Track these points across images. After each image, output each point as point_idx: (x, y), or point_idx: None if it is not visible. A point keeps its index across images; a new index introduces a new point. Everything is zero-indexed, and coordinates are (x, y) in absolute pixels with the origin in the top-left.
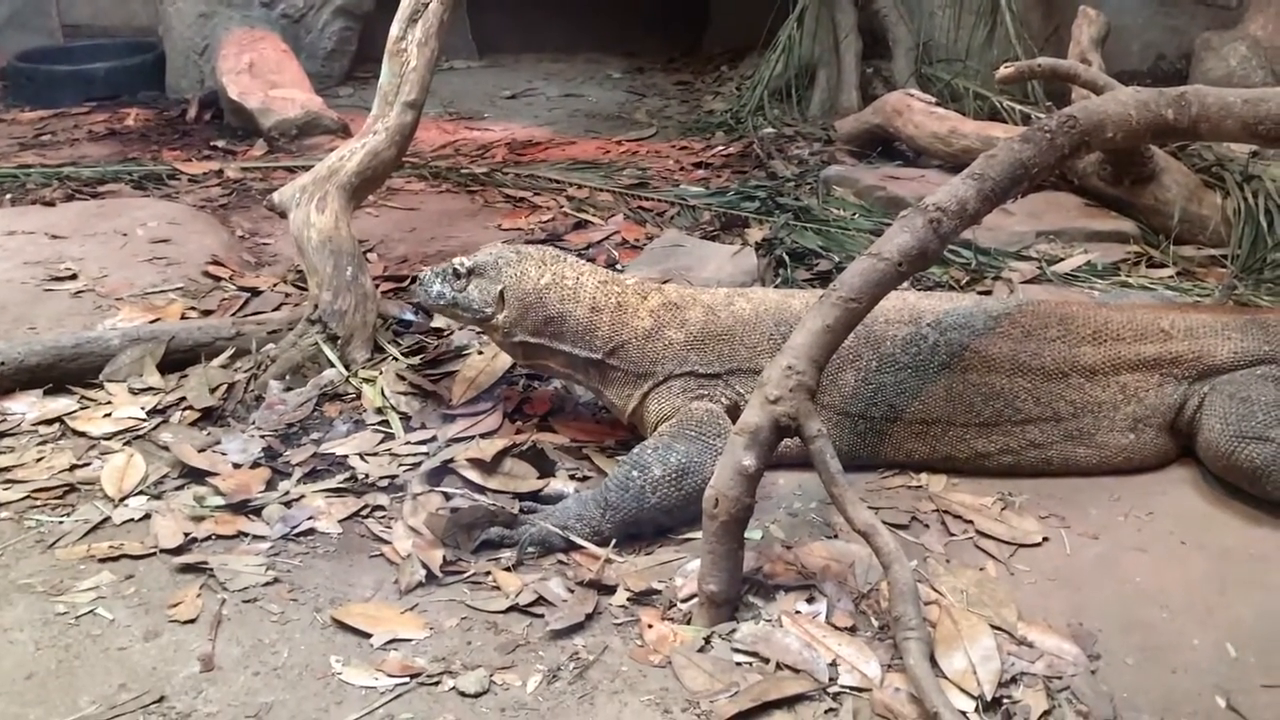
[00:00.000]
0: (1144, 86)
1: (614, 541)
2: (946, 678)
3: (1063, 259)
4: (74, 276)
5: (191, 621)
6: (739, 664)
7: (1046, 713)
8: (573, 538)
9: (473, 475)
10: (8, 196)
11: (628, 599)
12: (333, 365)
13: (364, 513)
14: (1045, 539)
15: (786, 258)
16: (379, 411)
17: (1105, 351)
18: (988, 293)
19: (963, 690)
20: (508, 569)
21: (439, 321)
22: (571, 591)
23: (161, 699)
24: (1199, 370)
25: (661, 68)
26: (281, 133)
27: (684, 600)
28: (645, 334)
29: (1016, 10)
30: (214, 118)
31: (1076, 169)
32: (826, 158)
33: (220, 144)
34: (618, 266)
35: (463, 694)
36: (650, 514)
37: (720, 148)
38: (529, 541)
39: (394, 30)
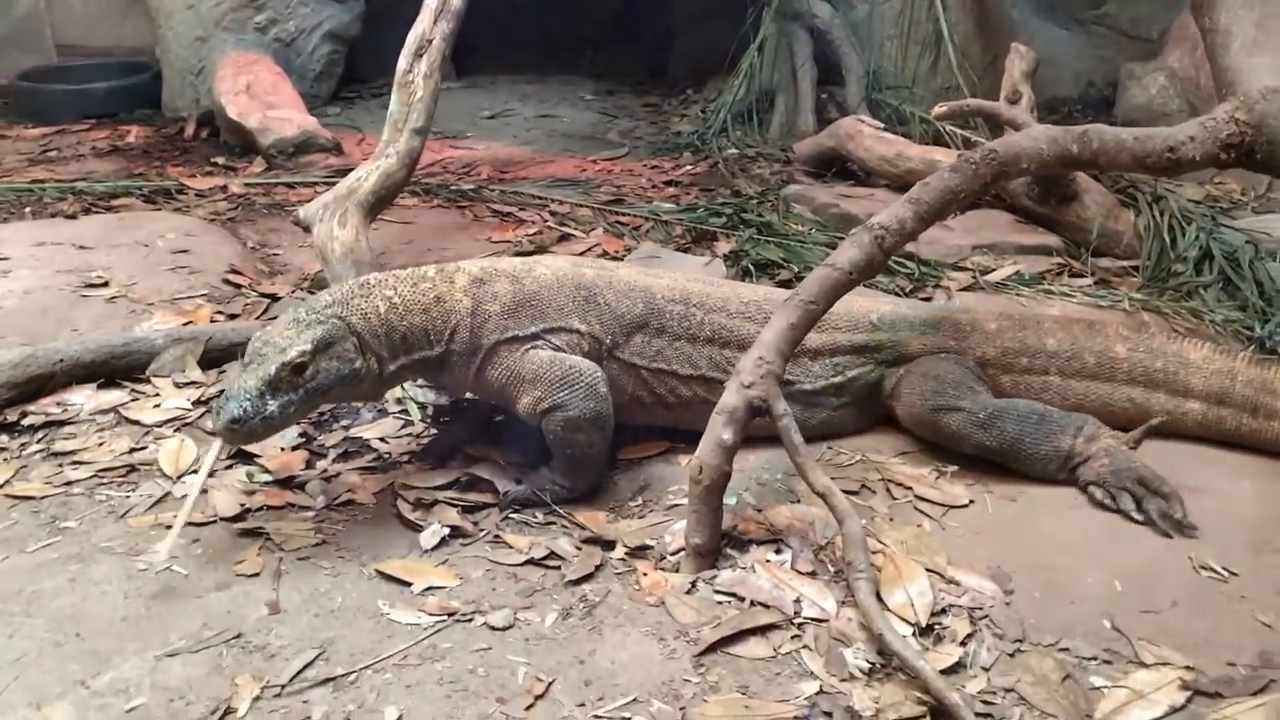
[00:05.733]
0: (1059, 120)
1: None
2: (889, 610)
3: (994, 270)
4: (106, 284)
5: (256, 575)
6: (720, 602)
7: (969, 635)
8: (548, 498)
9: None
10: (28, 210)
11: (625, 553)
12: None
13: (394, 487)
14: (972, 501)
15: (752, 268)
16: (399, 401)
17: (826, 338)
18: (928, 299)
19: (902, 619)
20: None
21: None
22: (578, 548)
23: (239, 635)
24: (894, 357)
25: (630, 89)
26: (279, 150)
27: (673, 553)
28: (470, 312)
29: (958, 42)
30: (210, 135)
31: (1009, 190)
32: (786, 177)
33: (219, 161)
34: None
35: (493, 628)
36: (600, 458)
37: (688, 167)
38: (513, 499)
39: (401, 64)
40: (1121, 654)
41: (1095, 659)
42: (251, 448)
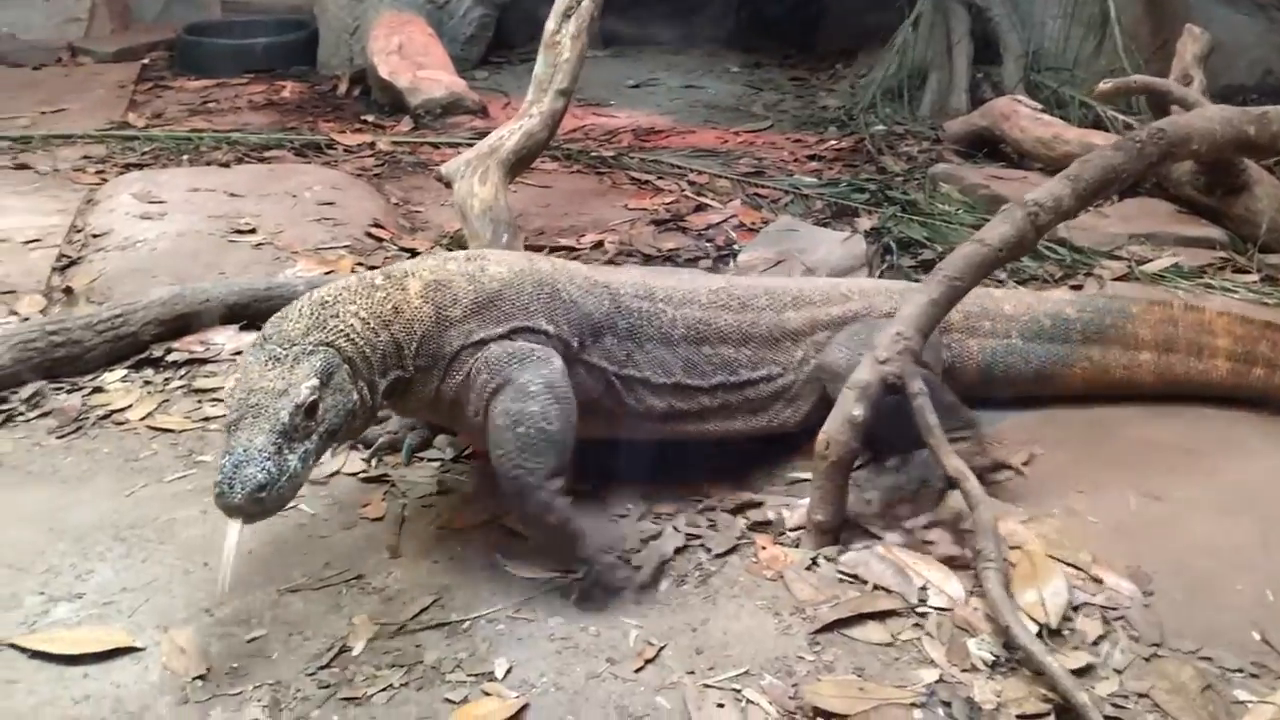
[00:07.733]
0: (1241, 104)
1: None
2: (1019, 607)
3: (1152, 260)
4: (253, 231)
5: (379, 519)
6: (840, 582)
7: (1103, 635)
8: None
9: None
10: (185, 157)
11: (745, 527)
12: None
13: None
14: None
15: (893, 246)
16: None
17: (804, 314)
18: (1079, 287)
19: (1031, 618)
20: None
21: None
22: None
23: (359, 576)
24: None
25: (778, 64)
26: (427, 110)
27: (792, 530)
28: (434, 320)
29: (1125, 24)
30: (362, 93)
31: (1172, 178)
32: (934, 156)
33: (369, 118)
34: (735, 248)
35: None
36: (563, 442)
37: (833, 142)
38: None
39: (550, 25)
40: (1270, 668)
41: (1240, 671)
42: None
